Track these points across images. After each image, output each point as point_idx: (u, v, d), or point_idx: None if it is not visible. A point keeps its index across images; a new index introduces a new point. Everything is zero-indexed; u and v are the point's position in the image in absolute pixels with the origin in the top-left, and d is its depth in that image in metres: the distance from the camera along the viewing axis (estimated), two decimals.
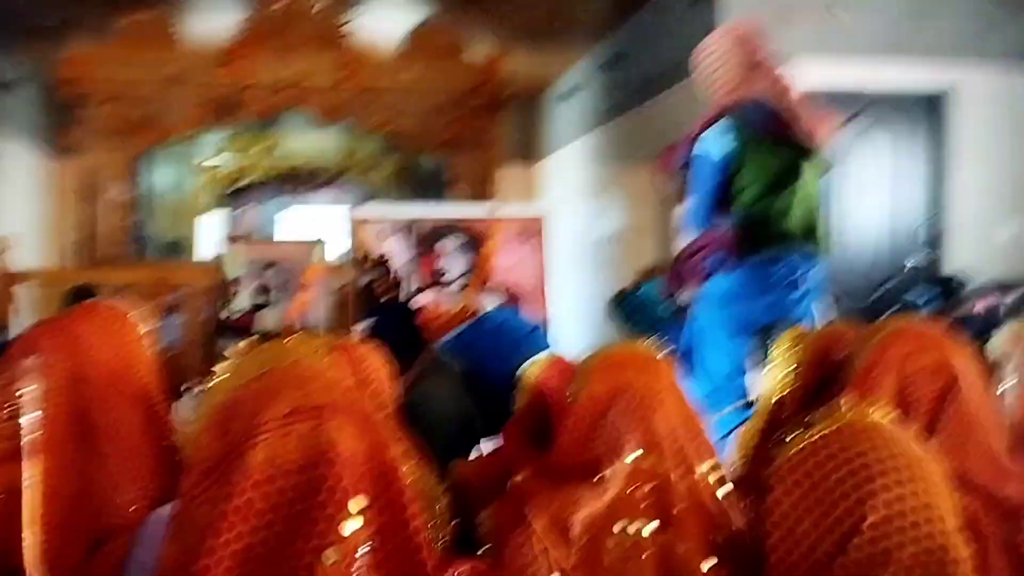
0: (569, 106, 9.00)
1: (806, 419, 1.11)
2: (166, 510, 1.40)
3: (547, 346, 3.52)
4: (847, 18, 5.25)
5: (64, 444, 1.38)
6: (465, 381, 3.35)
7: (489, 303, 4.55)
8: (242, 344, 1.14)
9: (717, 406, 2.84)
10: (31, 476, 1.32)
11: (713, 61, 3.08)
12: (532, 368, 1.79)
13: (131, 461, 1.43)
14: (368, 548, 0.94)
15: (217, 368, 1.10)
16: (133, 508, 1.40)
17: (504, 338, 3.52)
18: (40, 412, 1.35)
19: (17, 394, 1.33)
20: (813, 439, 1.05)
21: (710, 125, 2.98)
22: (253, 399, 1.00)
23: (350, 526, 0.93)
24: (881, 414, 1.09)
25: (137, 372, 1.49)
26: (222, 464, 0.96)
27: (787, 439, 1.09)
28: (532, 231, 5.07)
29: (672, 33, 6.29)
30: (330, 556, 0.91)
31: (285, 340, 1.13)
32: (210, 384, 1.08)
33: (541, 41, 8.20)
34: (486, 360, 3.36)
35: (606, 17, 7.39)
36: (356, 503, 0.94)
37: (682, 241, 3.23)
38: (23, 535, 1.28)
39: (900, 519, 0.97)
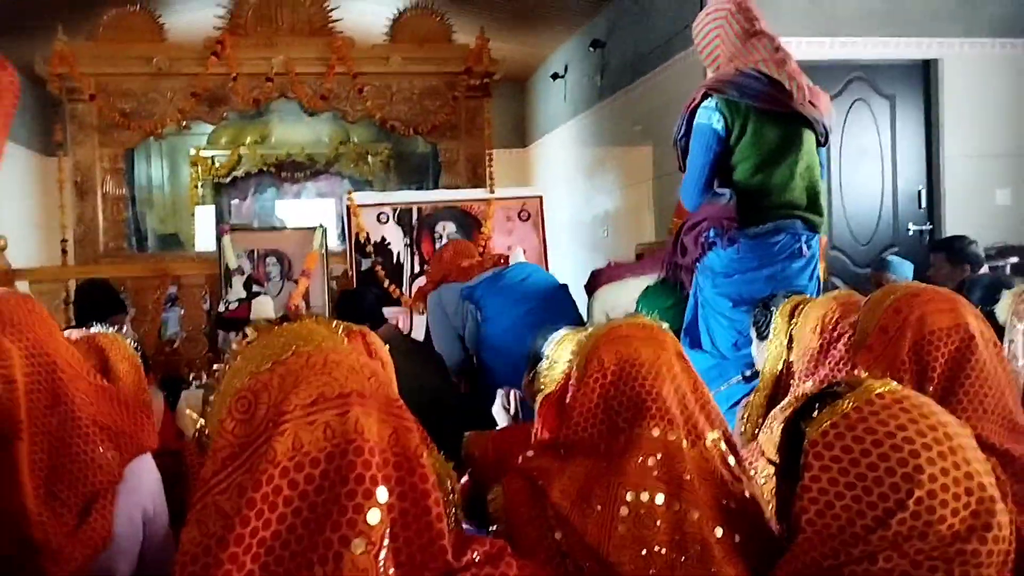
0: (559, 87, 8.98)
1: (831, 388, 1.11)
2: (140, 461, 1.56)
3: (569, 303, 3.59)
4: None
5: (41, 417, 1.42)
6: (438, 358, 3.38)
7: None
8: (253, 329, 1.10)
9: (723, 377, 2.84)
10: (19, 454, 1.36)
11: (711, 31, 3.06)
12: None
13: (99, 424, 1.50)
14: (391, 534, 0.94)
15: (232, 351, 1.07)
16: (111, 466, 1.48)
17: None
18: (17, 390, 1.39)
19: None
20: (846, 413, 1.05)
21: (709, 95, 2.95)
22: (278, 385, 0.98)
23: (376, 515, 0.92)
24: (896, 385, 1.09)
25: (67, 346, 1.55)
26: (247, 450, 0.95)
27: (817, 412, 1.08)
28: (530, 211, 5.05)
29: (658, 13, 6.27)
30: (358, 545, 0.90)
31: (303, 323, 1.09)
32: (225, 368, 1.05)
33: (528, 24, 8.16)
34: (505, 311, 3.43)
35: None
36: (382, 492, 0.93)
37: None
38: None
39: (944, 492, 0.98)
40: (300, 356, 1.02)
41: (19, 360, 1.40)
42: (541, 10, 7.78)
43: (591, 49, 7.73)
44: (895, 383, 1.09)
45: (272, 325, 1.10)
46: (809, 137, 3.02)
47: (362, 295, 3.90)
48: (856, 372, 1.74)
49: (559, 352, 1.63)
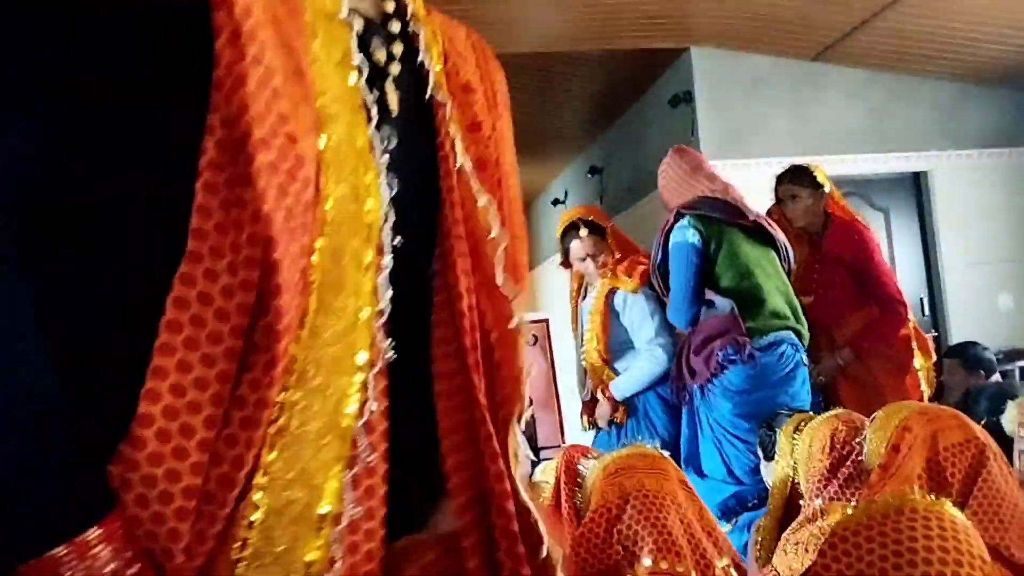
0: (560, 213, 9.18)
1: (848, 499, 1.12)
2: None
3: None
4: None
5: None
6: None
7: None
8: None
9: (743, 502, 2.80)
10: None
11: (660, 179, 3.25)
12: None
13: None
14: None
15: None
16: None
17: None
18: None
19: None
20: (872, 514, 1.05)
21: (681, 216, 3.06)
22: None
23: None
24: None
25: None
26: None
27: (847, 511, 1.09)
28: (537, 335, 5.10)
29: (652, 139, 6.49)
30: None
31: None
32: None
33: (528, 153, 8.43)
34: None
35: (591, 124, 7.63)
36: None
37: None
38: None
39: None
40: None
41: None
42: (540, 140, 8.06)
43: (589, 175, 7.95)
44: (947, 502, 1.08)
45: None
46: (774, 256, 3.11)
47: None
48: (868, 491, 1.74)
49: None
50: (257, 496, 0.66)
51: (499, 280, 0.82)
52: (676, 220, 3.05)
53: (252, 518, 0.66)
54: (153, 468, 0.63)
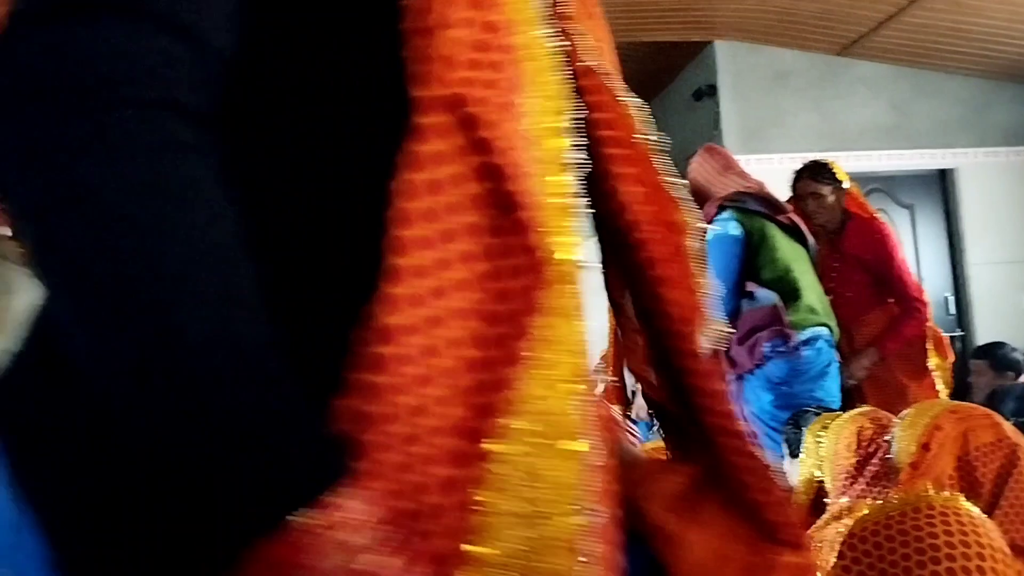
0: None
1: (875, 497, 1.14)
2: None
3: None
4: None
5: None
6: None
7: None
8: None
9: None
10: None
11: (691, 175, 3.20)
12: None
13: None
14: None
15: None
16: None
17: None
18: None
19: None
20: (891, 513, 1.06)
21: (724, 208, 3.05)
22: None
23: None
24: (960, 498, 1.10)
25: None
26: None
27: (864, 511, 1.11)
28: None
29: (673, 131, 6.45)
30: None
31: None
32: None
33: None
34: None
35: None
36: None
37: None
38: None
39: None
40: None
41: None
42: None
43: None
44: (960, 496, 1.10)
45: None
46: (806, 253, 3.11)
47: None
48: (898, 490, 1.72)
49: None
50: (503, 426, 0.52)
51: (664, 182, 0.72)
52: (718, 213, 3.04)
53: (499, 454, 0.52)
54: (406, 397, 0.48)
